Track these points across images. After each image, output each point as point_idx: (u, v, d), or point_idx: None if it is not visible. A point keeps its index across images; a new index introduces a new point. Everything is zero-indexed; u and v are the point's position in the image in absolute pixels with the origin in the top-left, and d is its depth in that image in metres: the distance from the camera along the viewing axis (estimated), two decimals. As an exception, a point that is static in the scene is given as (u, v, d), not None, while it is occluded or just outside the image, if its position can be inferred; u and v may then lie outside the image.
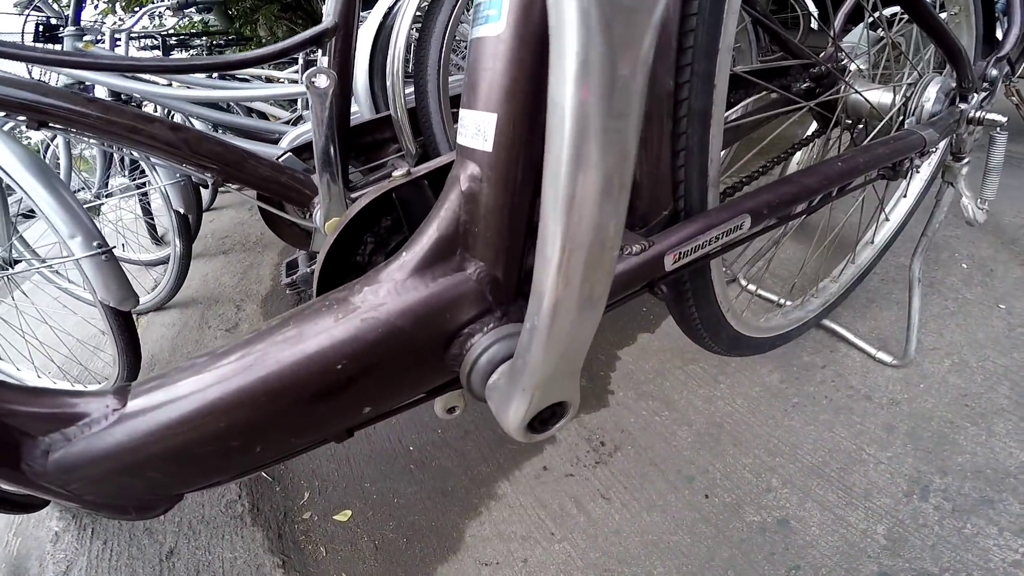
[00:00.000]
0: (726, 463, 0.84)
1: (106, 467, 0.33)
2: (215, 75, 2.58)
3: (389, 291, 0.33)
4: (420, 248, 0.34)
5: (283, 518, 0.88)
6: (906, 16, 0.96)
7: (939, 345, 1.03)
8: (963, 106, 0.86)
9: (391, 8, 1.12)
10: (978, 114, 0.86)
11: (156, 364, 1.36)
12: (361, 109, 1.13)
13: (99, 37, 1.91)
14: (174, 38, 2.74)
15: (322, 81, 0.75)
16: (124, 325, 1.07)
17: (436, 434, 0.95)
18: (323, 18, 0.83)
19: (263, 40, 4.06)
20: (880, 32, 1.02)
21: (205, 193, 2.64)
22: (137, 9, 2.38)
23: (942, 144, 1.11)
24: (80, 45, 1.59)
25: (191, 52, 3.09)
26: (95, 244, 0.96)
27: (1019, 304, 1.13)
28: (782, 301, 1.04)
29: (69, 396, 0.34)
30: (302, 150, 0.93)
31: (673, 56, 0.42)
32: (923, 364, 0.99)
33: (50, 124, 0.67)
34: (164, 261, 1.93)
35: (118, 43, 1.98)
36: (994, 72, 0.93)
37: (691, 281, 0.60)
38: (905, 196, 1.16)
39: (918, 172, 1.17)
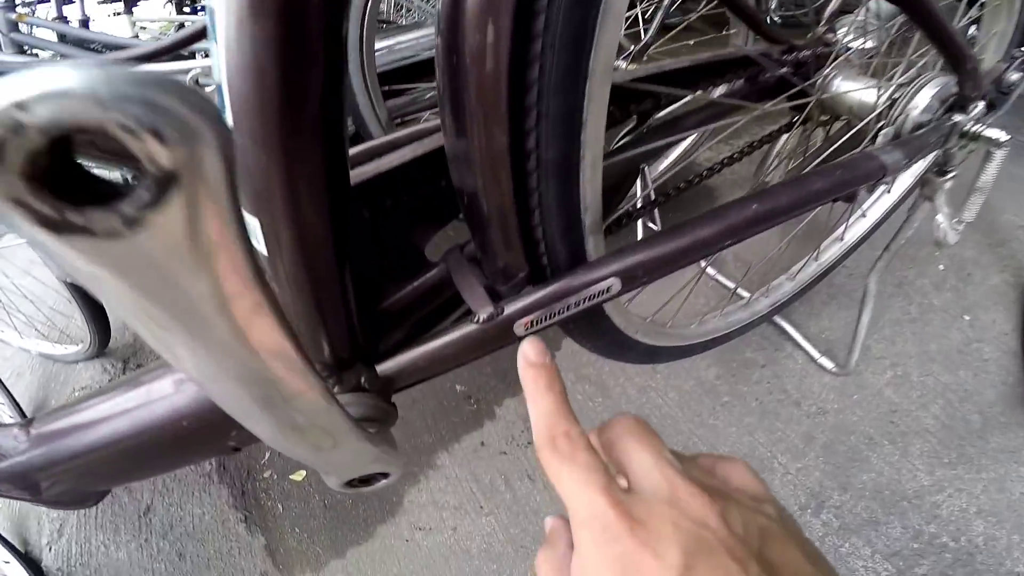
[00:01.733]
0: (645, 457, 0.91)
1: (31, 479, 0.43)
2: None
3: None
4: None
5: (246, 476, 0.98)
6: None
7: (887, 354, 1.06)
8: (958, 117, 0.76)
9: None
10: (975, 128, 0.76)
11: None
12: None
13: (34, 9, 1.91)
14: None
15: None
16: (87, 298, 1.09)
17: (389, 396, 1.04)
18: None
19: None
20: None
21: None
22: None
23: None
24: (13, 16, 1.58)
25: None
26: None
27: (985, 316, 1.13)
28: (742, 292, 1.04)
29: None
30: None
31: (504, 103, 0.34)
32: (863, 374, 1.02)
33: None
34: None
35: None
36: (1014, 77, 0.83)
37: (574, 323, 0.60)
38: (889, 192, 1.12)
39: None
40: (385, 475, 0.39)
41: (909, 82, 0.74)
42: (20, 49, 1.61)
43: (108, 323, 1.20)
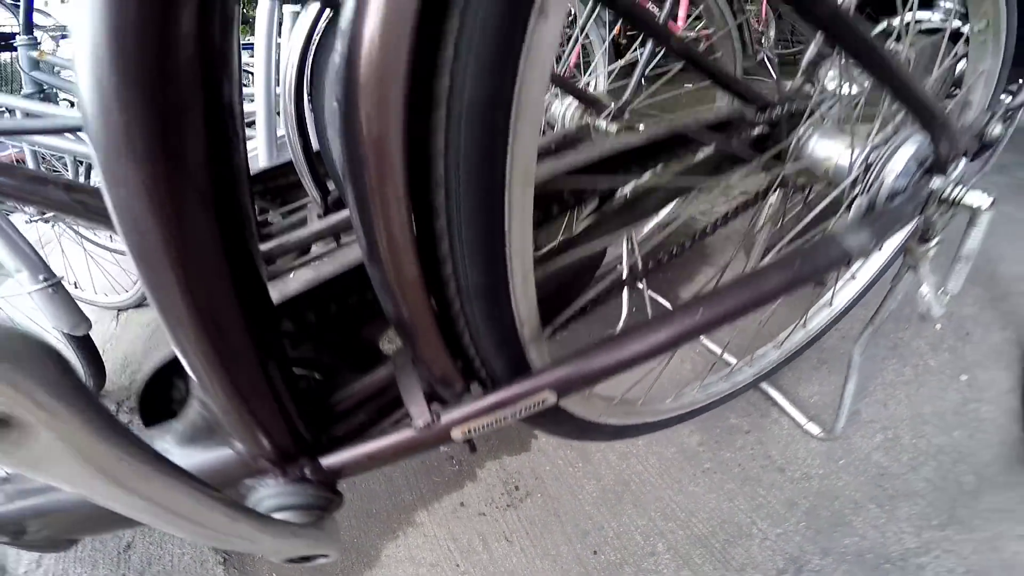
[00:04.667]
0: (621, 522, 0.92)
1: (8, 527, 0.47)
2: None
3: (172, 452, 0.43)
4: (184, 431, 0.43)
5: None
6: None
7: (878, 418, 1.04)
8: (936, 182, 0.67)
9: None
10: (954, 194, 0.66)
11: (130, 363, 1.47)
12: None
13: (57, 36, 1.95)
14: None
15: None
16: (82, 344, 1.15)
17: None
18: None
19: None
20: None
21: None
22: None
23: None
24: (35, 55, 1.60)
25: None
26: (41, 278, 0.99)
27: (984, 376, 1.11)
28: (729, 358, 1.05)
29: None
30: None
31: (407, 234, 0.34)
32: (852, 438, 1.01)
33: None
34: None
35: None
36: (997, 130, 0.76)
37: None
38: (879, 251, 1.10)
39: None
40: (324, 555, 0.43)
41: (885, 142, 0.68)
42: (40, 88, 1.63)
43: (104, 368, 1.26)
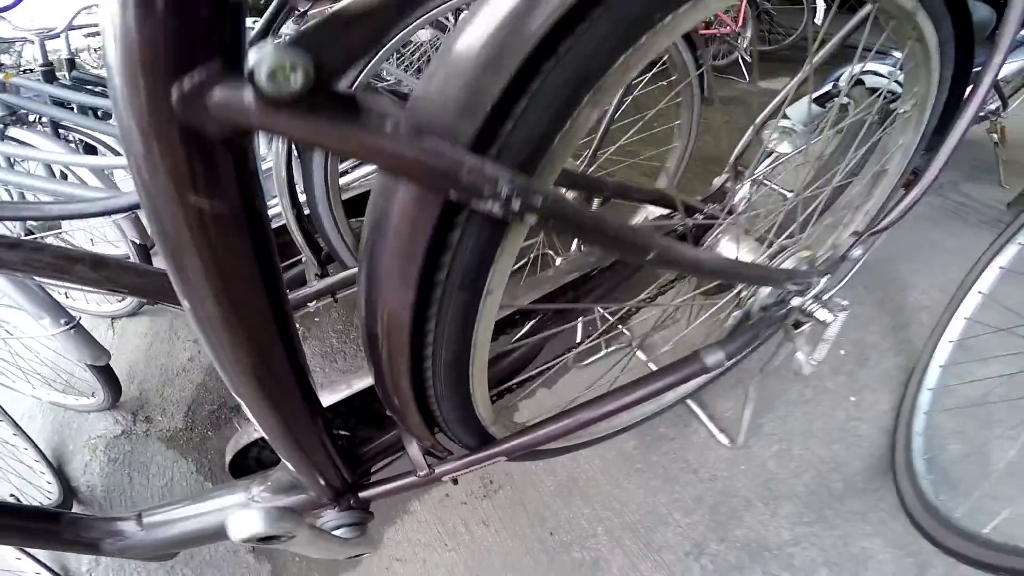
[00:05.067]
0: (571, 510, 1.20)
1: (143, 547, 0.71)
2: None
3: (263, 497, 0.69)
4: (273, 486, 0.68)
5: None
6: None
7: (776, 431, 1.32)
8: (796, 301, 0.86)
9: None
10: (810, 308, 0.86)
11: (135, 375, 1.62)
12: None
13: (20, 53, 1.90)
14: None
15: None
16: (103, 372, 1.29)
17: (383, 450, 1.35)
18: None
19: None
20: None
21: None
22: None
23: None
24: (0, 76, 1.60)
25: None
26: (63, 322, 1.11)
27: (871, 397, 1.39)
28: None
29: (122, 519, 0.72)
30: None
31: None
32: (753, 448, 1.29)
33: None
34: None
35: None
36: (857, 253, 0.92)
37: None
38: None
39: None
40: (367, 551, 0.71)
41: (769, 260, 0.84)
42: (11, 111, 1.59)
43: (120, 388, 1.42)
